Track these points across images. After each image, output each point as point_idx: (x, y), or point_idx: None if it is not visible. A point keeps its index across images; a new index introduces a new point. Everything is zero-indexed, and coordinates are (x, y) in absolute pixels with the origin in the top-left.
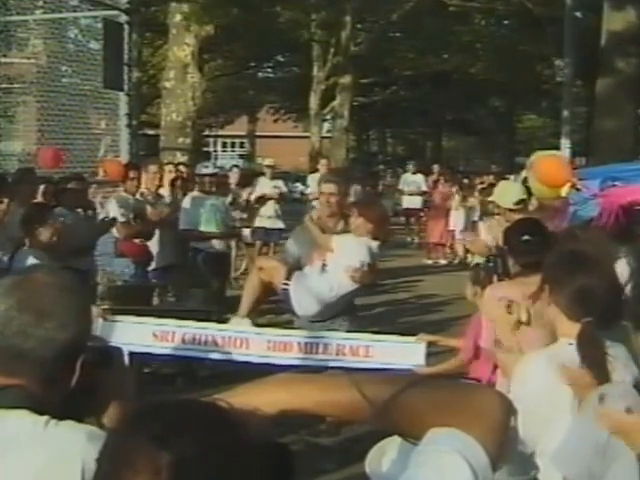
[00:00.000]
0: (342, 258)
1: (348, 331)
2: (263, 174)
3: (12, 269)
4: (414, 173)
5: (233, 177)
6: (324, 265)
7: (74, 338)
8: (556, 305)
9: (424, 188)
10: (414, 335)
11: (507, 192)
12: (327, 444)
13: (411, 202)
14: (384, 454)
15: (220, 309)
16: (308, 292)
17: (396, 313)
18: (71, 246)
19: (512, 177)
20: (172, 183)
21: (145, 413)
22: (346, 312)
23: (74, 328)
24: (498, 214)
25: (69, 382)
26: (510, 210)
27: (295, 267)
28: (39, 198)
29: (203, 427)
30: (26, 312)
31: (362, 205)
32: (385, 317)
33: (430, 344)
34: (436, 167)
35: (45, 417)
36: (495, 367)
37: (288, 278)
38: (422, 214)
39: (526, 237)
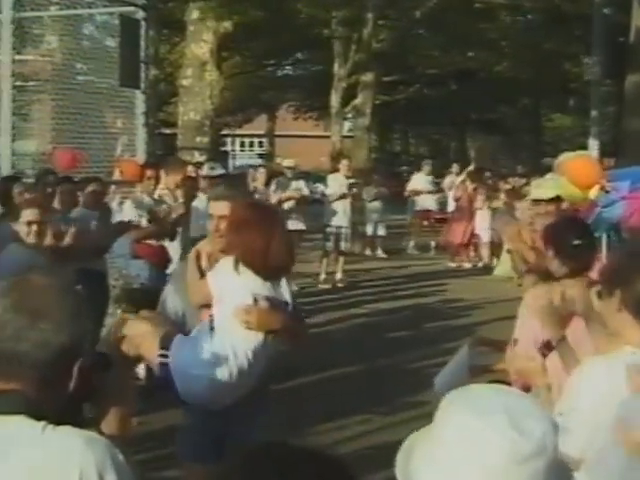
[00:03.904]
0: (228, 301)
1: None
2: (282, 174)
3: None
4: (428, 174)
5: (259, 177)
6: (211, 321)
7: (71, 341)
8: (627, 310)
9: (431, 188)
10: (439, 340)
11: (545, 185)
12: (345, 452)
13: (426, 203)
14: (412, 452)
15: None
16: (195, 367)
17: (421, 318)
18: (88, 247)
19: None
20: (181, 183)
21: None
22: (260, 396)
23: (71, 331)
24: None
25: (66, 386)
26: (541, 202)
27: (178, 330)
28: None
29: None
30: (21, 314)
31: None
32: (410, 322)
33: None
34: (456, 167)
35: (43, 422)
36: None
37: (166, 347)
38: (439, 216)
39: (577, 241)
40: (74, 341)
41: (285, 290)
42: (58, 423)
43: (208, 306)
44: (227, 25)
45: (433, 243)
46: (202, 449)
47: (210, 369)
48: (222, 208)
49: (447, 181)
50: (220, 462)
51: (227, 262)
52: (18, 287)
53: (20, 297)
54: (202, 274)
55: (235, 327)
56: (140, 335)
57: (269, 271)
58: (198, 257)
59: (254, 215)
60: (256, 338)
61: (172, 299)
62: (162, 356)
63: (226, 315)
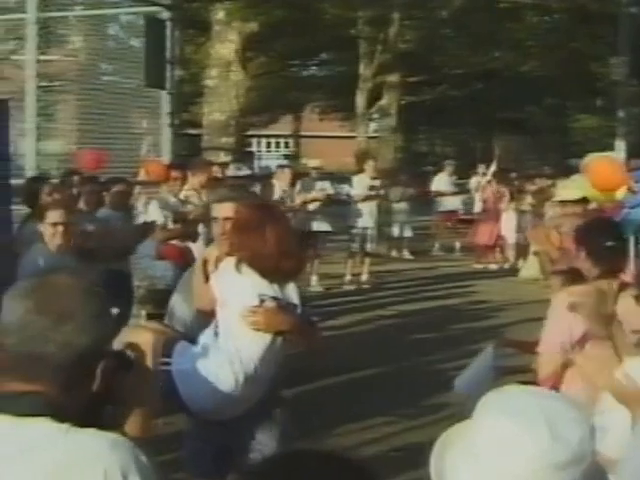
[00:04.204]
0: (232, 304)
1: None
2: (307, 175)
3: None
4: (451, 174)
5: (284, 178)
6: (216, 326)
7: (94, 343)
8: None
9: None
10: (465, 342)
11: (572, 186)
12: (369, 454)
13: (450, 204)
14: (447, 451)
15: None
16: (199, 374)
17: (447, 320)
18: (113, 248)
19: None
20: (207, 184)
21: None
22: (269, 404)
23: (94, 332)
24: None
25: (89, 388)
26: (568, 203)
27: (183, 336)
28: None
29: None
30: (44, 315)
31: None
32: (436, 324)
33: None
34: (482, 168)
35: (66, 424)
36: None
37: (168, 354)
38: (464, 217)
39: (610, 242)
40: (97, 342)
41: (293, 293)
42: (81, 425)
43: (214, 313)
44: (253, 25)
45: (459, 244)
46: (205, 461)
47: (214, 376)
48: (227, 210)
49: (473, 182)
50: (223, 476)
51: (230, 263)
52: (41, 288)
53: (43, 298)
54: (209, 280)
55: (241, 330)
56: (142, 342)
57: (277, 274)
58: (205, 263)
59: (261, 216)
60: (264, 341)
61: (180, 306)
62: (164, 363)
63: (231, 319)
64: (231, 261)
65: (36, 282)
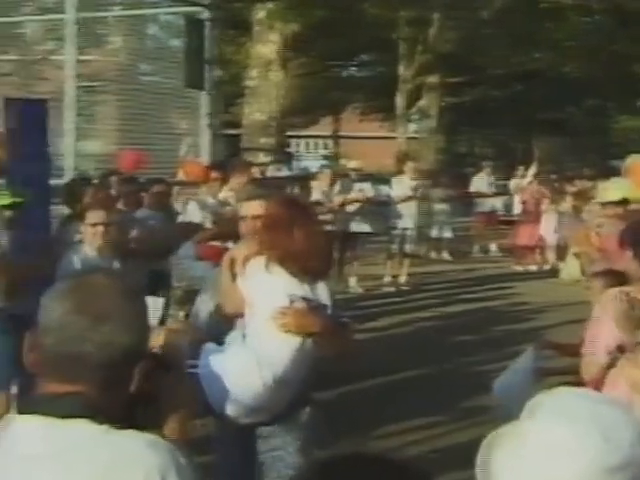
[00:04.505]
0: (261, 305)
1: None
2: (347, 176)
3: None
4: (489, 175)
5: (324, 179)
6: (244, 327)
7: (132, 343)
8: None
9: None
10: (505, 344)
11: (613, 187)
12: (410, 455)
13: (489, 205)
14: (493, 450)
15: None
16: (226, 377)
17: (487, 322)
18: (152, 249)
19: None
20: (246, 185)
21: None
22: (299, 409)
23: (132, 332)
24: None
25: (127, 389)
26: (609, 205)
27: (209, 337)
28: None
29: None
30: (83, 316)
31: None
32: (475, 326)
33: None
34: (521, 169)
35: (106, 426)
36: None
37: (193, 356)
38: (504, 218)
39: None
40: (136, 342)
41: (324, 293)
42: (119, 426)
43: (242, 315)
44: (294, 26)
45: (498, 246)
46: (233, 465)
47: (241, 380)
48: (256, 208)
49: (513, 183)
50: None
51: (258, 263)
52: (80, 288)
53: (82, 299)
54: (235, 280)
55: (269, 332)
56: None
57: (307, 272)
58: (232, 263)
59: (290, 213)
60: (293, 344)
61: (206, 307)
62: (190, 366)
63: (259, 320)
64: (260, 260)
65: (74, 282)
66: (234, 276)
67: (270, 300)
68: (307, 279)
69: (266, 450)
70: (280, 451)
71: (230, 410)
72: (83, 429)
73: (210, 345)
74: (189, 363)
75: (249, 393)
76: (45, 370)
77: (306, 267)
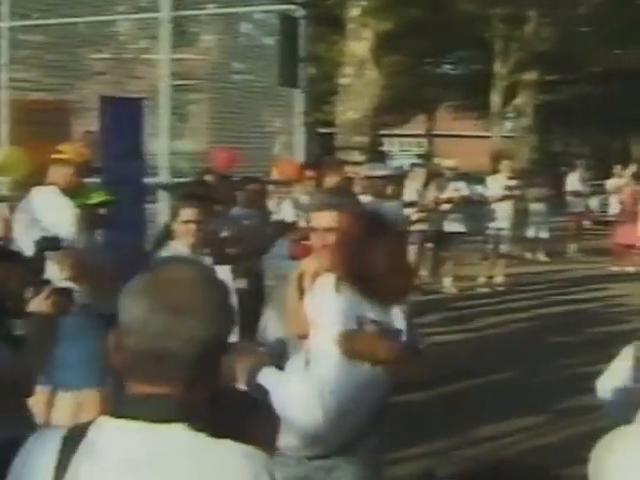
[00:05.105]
0: (326, 327)
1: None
2: (441, 175)
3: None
4: (583, 174)
5: (418, 178)
6: (308, 352)
7: (216, 335)
8: None
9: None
10: (602, 346)
11: None
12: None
13: (584, 205)
14: (606, 454)
15: None
16: (284, 406)
17: (584, 323)
18: (246, 247)
19: None
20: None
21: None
22: (365, 441)
23: (216, 324)
24: None
25: (213, 384)
26: None
27: (276, 361)
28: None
29: None
30: (164, 311)
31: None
32: (571, 327)
33: None
34: (618, 168)
35: (202, 434)
36: None
37: (253, 380)
38: (600, 218)
39: None
40: (219, 334)
41: (398, 316)
42: (208, 427)
43: (307, 337)
44: (387, 23)
45: (595, 246)
46: None
47: (301, 409)
48: (327, 219)
49: (610, 183)
50: None
51: (327, 281)
52: (156, 283)
53: (159, 293)
54: (303, 297)
55: (335, 358)
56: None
57: (381, 294)
58: (301, 278)
59: (367, 228)
60: (360, 372)
61: (274, 324)
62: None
63: (324, 344)
64: (330, 278)
65: (150, 277)
66: (302, 292)
67: (336, 322)
68: (382, 300)
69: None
70: None
71: (288, 441)
72: (180, 435)
73: (270, 369)
74: (245, 388)
75: (309, 424)
76: (132, 370)
77: (381, 289)
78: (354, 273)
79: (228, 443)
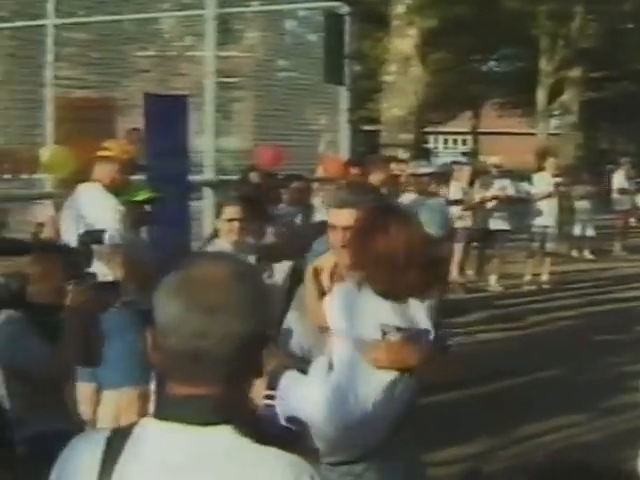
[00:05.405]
0: (348, 332)
1: None
2: (487, 172)
3: None
4: (629, 172)
5: (463, 175)
6: (331, 358)
7: (253, 330)
8: None
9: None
10: None
11: None
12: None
13: (630, 203)
14: None
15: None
16: (306, 413)
17: (631, 322)
18: (290, 245)
19: None
20: (385, 181)
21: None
22: (390, 450)
23: (251, 320)
24: None
25: (251, 381)
26: None
27: (297, 361)
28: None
29: None
30: (199, 309)
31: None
32: (617, 326)
33: None
34: None
35: (246, 439)
36: None
37: (273, 386)
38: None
39: None
40: (257, 329)
41: (422, 314)
42: (249, 429)
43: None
44: (432, 20)
45: (617, 244)
46: None
47: (323, 417)
48: (347, 217)
49: None
50: None
51: (348, 284)
52: (189, 280)
53: (193, 291)
54: (323, 293)
55: (358, 366)
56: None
57: (402, 292)
58: (317, 275)
59: (384, 223)
60: (385, 380)
61: (296, 328)
62: (268, 397)
63: (346, 350)
64: (350, 279)
65: (183, 275)
66: (320, 288)
67: (360, 329)
68: (404, 297)
69: None
70: None
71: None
72: (224, 438)
73: (292, 374)
74: (267, 394)
75: (332, 432)
76: (170, 371)
77: (400, 286)
78: (373, 271)
79: (273, 450)
